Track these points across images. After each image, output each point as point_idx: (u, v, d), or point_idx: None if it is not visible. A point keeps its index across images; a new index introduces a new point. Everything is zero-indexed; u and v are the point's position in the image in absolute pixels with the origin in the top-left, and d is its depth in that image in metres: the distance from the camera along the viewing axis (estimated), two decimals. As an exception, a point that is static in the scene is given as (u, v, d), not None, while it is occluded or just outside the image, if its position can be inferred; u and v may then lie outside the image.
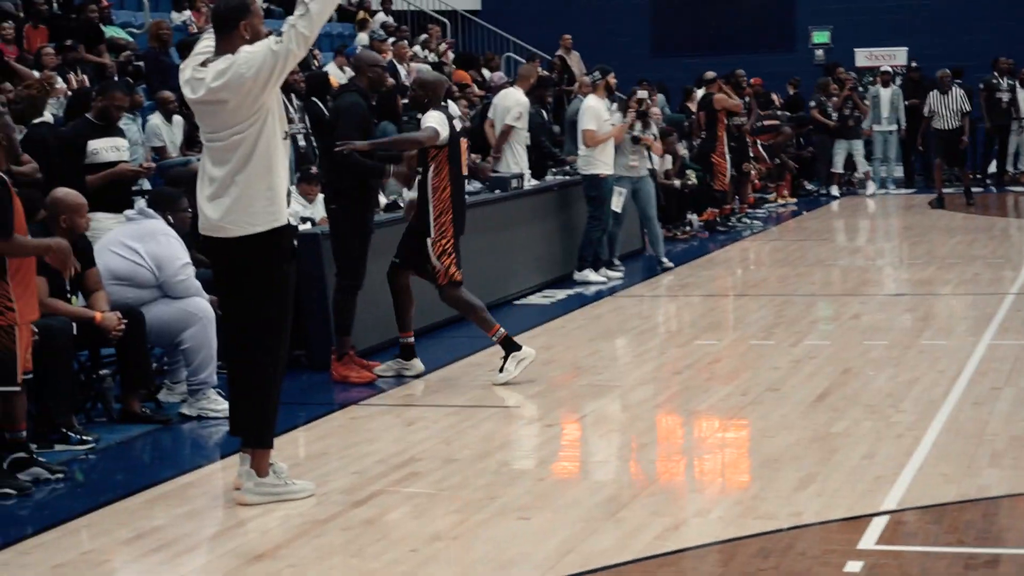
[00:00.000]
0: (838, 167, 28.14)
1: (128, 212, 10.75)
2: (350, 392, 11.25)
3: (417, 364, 11.74)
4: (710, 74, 22.53)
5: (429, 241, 11.36)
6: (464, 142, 11.82)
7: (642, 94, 17.64)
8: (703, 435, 9.79)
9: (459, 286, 11.54)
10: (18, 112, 12.75)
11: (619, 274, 17.46)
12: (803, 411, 10.06)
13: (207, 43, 8.22)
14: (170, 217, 10.58)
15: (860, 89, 28.76)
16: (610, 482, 8.61)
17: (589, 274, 17.02)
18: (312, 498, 8.25)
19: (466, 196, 12.00)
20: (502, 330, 11.49)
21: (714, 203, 22.39)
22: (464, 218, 11.61)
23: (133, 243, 10.36)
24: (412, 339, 11.79)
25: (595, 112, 16.87)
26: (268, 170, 7.99)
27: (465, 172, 11.79)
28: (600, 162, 16.86)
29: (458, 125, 12.27)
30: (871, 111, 28.03)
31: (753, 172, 24.73)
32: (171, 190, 11.16)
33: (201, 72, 8.04)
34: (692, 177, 21.82)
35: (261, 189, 7.98)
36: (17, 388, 8.47)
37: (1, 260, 8.37)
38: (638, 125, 17.42)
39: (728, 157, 21.98)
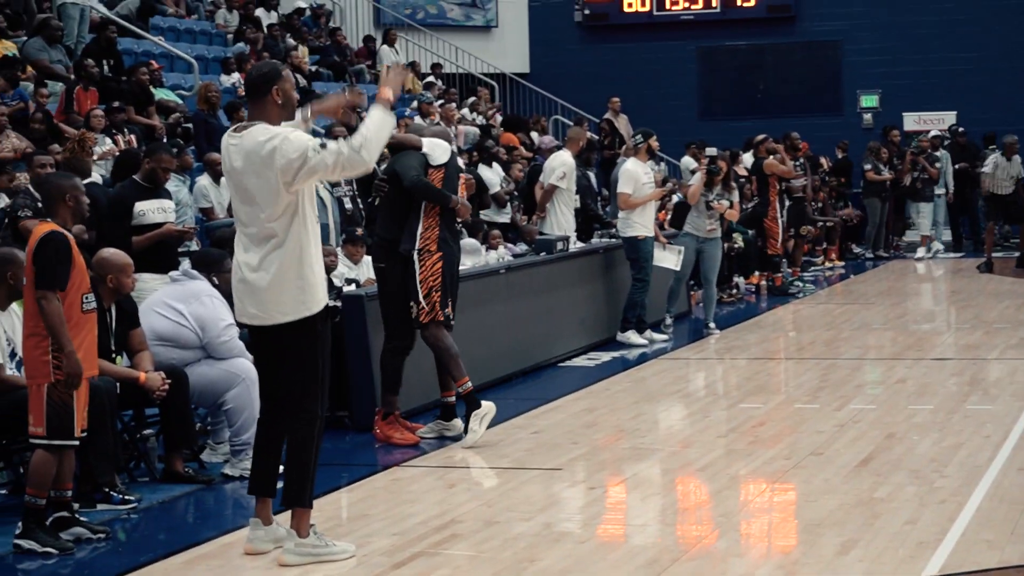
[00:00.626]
0: (925, 229, 28.10)
1: (172, 273, 10.83)
2: (392, 453, 11.26)
3: (458, 424, 11.71)
4: (760, 137, 22.52)
5: (417, 277, 11.37)
6: (463, 185, 11.81)
7: (710, 151, 17.81)
8: (745, 499, 9.75)
9: (441, 326, 11.44)
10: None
11: (664, 336, 17.44)
12: (846, 475, 10.00)
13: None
14: (215, 278, 10.65)
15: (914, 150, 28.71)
16: (651, 546, 8.57)
17: (632, 336, 17.00)
18: (352, 559, 8.25)
19: (458, 242, 12.04)
20: (470, 383, 11.47)
21: (769, 267, 22.37)
22: (455, 259, 11.62)
23: (177, 304, 10.43)
24: (453, 399, 11.77)
25: (632, 175, 16.95)
26: (299, 261, 8.01)
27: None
28: (638, 224, 16.91)
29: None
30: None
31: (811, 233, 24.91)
32: (215, 251, 11.23)
33: (235, 138, 8.08)
34: (739, 240, 21.81)
35: (291, 279, 8.00)
36: (75, 443, 8.50)
37: None
38: (717, 189, 17.50)
39: (781, 221, 21.93)
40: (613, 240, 17.88)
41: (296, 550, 8.20)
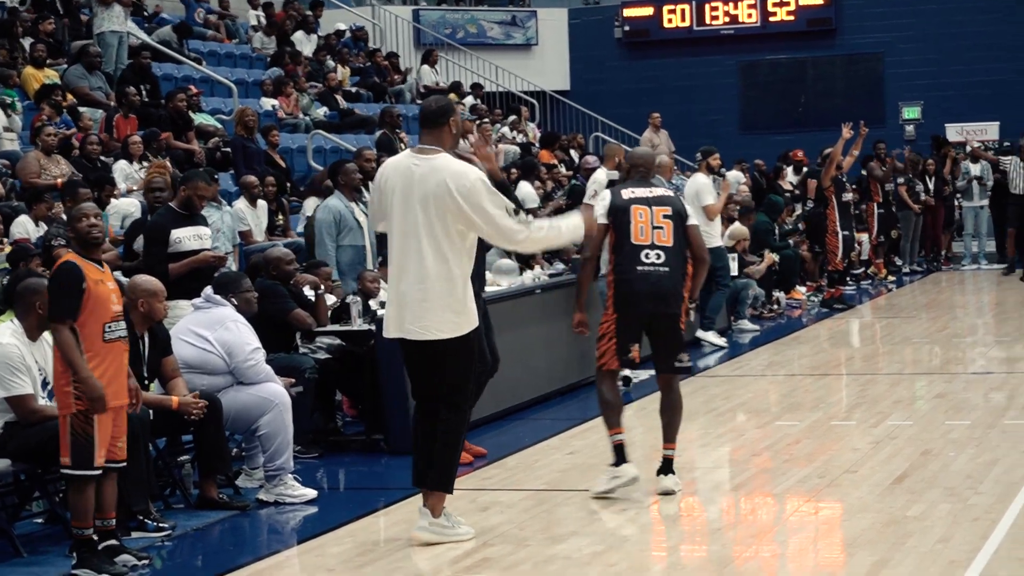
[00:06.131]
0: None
1: (196, 300, 10.86)
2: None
3: (628, 469, 10.37)
4: (827, 151, 22.46)
5: None
6: None
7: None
8: (778, 519, 9.73)
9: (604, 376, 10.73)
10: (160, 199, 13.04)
11: (723, 340, 18.61)
12: (880, 494, 9.97)
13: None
14: (234, 299, 10.72)
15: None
16: (681, 567, 8.57)
17: (712, 336, 18.28)
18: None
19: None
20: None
21: (830, 283, 22.48)
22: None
23: (203, 331, 10.50)
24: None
25: (709, 187, 18.28)
26: (463, 282, 8.84)
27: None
28: (714, 235, 18.13)
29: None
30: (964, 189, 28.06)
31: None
32: (234, 272, 11.31)
33: (418, 158, 8.89)
34: (774, 257, 21.67)
35: (459, 296, 8.83)
36: (92, 473, 8.51)
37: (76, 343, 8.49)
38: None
39: (841, 236, 21.90)
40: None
41: (430, 528, 8.98)
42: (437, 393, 9.04)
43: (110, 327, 8.54)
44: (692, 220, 10.41)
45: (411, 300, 8.79)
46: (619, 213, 10.24)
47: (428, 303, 8.76)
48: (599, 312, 14.16)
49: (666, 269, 10.16)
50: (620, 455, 10.26)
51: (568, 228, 9.10)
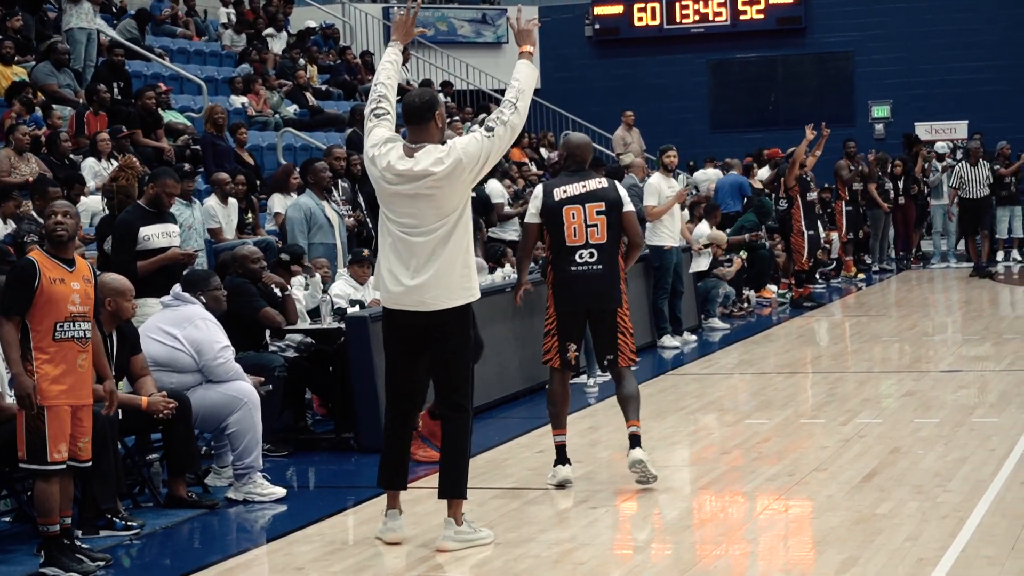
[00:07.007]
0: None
1: (164, 299, 10.82)
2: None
3: (563, 471, 10.56)
4: (792, 150, 22.47)
5: None
6: None
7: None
8: (746, 517, 9.75)
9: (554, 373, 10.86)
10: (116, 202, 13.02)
11: (694, 338, 18.81)
12: (849, 492, 9.99)
13: (383, 132, 8.88)
14: (203, 297, 10.69)
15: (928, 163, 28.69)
16: (651, 565, 8.57)
17: (667, 340, 18.10)
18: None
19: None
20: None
21: (797, 282, 22.49)
22: None
23: (172, 329, 10.47)
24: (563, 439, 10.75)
25: (655, 188, 17.94)
26: (466, 250, 8.80)
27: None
28: (665, 234, 17.99)
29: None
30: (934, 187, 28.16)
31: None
32: (203, 271, 11.28)
33: (408, 162, 8.74)
34: (738, 255, 21.67)
35: (458, 267, 8.76)
36: (47, 468, 8.45)
37: (25, 337, 8.46)
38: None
39: (806, 236, 21.93)
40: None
41: (456, 537, 8.88)
42: (416, 387, 9.08)
43: (62, 326, 8.50)
44: (627, 207, 10.51)
45: (420, 282, 8.72)
46: (551, 215, 10.41)
47: (436, 279, 8.70)
48: (540, 317, 14.24)
49: (600, 267, 10.38)
50: (560, 455, 10.54)
51: (524, 73, 8.92)
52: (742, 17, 33.98)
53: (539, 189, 10.64)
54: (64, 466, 8.57)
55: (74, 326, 8.55)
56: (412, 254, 8.74)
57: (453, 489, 8.94)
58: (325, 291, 13.02)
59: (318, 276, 13.24)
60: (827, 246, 25.00)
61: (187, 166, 16.77)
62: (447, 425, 9.02)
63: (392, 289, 8.83)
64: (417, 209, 8.74)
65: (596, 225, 10.33)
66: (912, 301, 23.90)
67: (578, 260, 10.32)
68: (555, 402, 10.68)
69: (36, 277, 8.44)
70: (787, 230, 22.30)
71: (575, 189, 10.39)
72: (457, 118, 25.08)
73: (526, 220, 10.72)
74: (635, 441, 10.42)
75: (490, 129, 8.77)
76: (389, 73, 9.09)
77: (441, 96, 27.62)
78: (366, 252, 14.27)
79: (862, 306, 22.78)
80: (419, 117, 8.90)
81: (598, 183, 10.49)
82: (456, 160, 8.69)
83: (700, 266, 19.36)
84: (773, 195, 23.47)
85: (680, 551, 8.89)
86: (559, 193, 10.39)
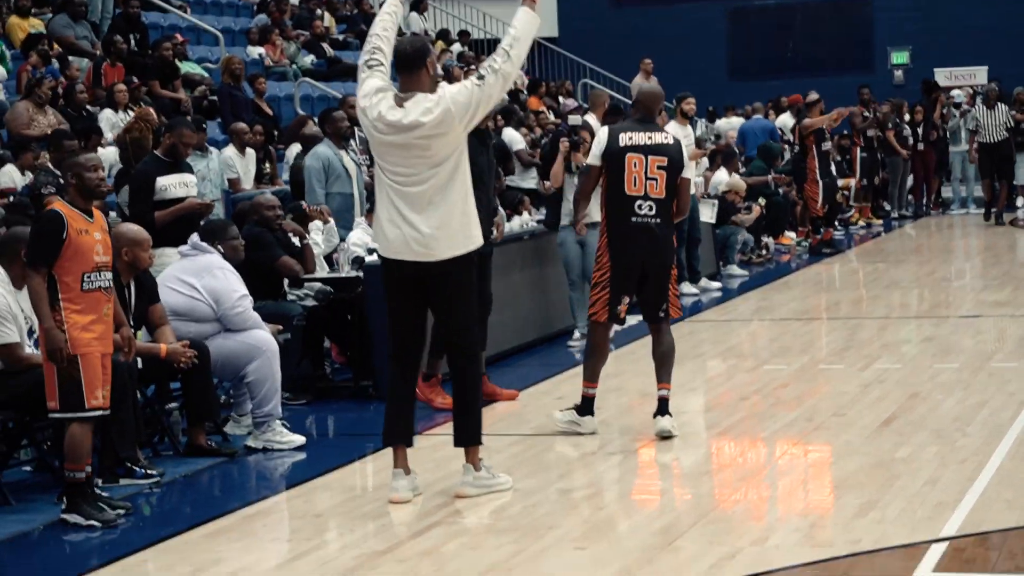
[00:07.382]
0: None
1: (182, 248, 10.82)
2: (419, 421, 11.25)
3: (590, 422, 10.59)
4: (812, 96, 22.28)
5: None
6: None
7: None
8: (764, 462, 9.75)
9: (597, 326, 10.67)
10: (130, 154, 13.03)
11: (718, 284, 18.80)
12: (868, 436, 9.99)
13: (376, 82, 8.76)
14: (220, 247, 10.69)
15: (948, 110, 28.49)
16: (668, 510, 8.60)
17: (685, 287, 17.52)
18: (371, 527, 8.35)
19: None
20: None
21: (815, 229, 22.40)
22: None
23: (189, 278, 10.47)
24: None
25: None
26: (464, 198, 8.70)
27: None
28: None
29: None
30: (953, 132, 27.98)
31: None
32: (221, 220, 11.27)
33: (398, 112, 8.62)
34: (761, 208, 21.62)
35: (456, 215, 8.66)
36: (89, 415, 8.49)
37: (53, 289, 8.47)
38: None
39: (821, 184, 21.86)
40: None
41: (474, 483, 8.87)
42: (418, 338, 9.02)
43: (89, 277, 8.50)
44: (686, 173, 10.41)
45: (418, 232, 8.62)
46: (614, 159, 10.19)
47: (434, 229, 8.60)
48: (557, 265, 14.07)
49: (658, 220, 10.17)
50: (587, 407, 10.50)
51: (524, 21, 8.70)
52: (760, -36, 33.84)
53: (604, 132, 10.41)
54: (107, 411, 8.62)
55: (100, 276, 8.56)
56: (408, 204, 8.64)
57: (473, 436, 8.93)
58: (343, 239, 13.02)
59: (332, 221, 13.23)
60: (846, 192, 24.93)
61: (192, 118, 16.73)
62: (457, 373, 9.00)
63: (391, 239, 8.72)
64: (409, 159, 8.64)
65: (656, 179, 10.12)
66: (931, 247, 23.85)
67: (637, 211, 10.11)
68: (594, 356, 10.55)
69: (64, 228, 8.44)
70: (801, 179, 22.23)
71: (640, 139, 10.20)
72: (474, 67, 24.99)
73: (588, 161, 10.58)
74: (663, 406, 10.27)
75: (481, 77, 8.66)
76: (386, 24, 8.97)
77: (456, 48, 27.75)
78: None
79: (881, 252, 22.72)
80: (410, 65, 8.78)
81: (664, 137, 10.32)
82: (445, 110, 8.57)
83: (705, 216, 18.91)
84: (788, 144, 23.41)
85: (699, 496, 8.90)
86: (624, 139, 10.19)
